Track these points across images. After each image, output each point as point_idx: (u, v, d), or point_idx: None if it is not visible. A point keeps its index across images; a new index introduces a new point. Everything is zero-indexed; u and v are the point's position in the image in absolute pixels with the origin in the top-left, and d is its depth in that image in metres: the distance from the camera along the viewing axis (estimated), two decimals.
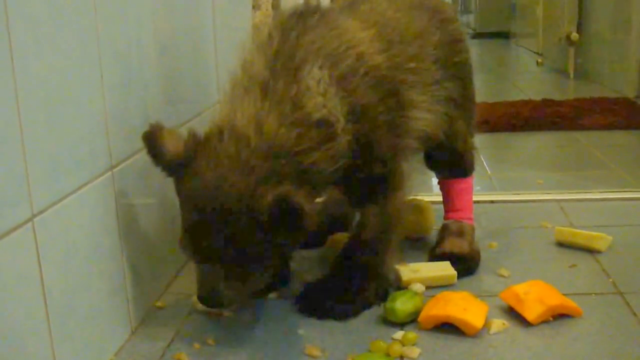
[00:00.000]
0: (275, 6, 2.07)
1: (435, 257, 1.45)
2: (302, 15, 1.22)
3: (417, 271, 1.36)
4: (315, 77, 1.15)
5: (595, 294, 1.32)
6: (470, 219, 1.52)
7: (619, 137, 2.71)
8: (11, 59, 0.86)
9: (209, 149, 1.11)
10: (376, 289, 1.29)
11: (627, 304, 1.28)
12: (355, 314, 1.26)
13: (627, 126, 2.80)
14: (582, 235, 1.52)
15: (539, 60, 4.72)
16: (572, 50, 4.10)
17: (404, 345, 1.15)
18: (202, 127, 1.16)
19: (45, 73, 0.94)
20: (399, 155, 1.29)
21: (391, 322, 1.22)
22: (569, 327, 1.20)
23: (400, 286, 1.32)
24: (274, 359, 1.14)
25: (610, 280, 1.37)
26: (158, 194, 1.33)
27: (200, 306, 1.23)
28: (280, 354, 1.15)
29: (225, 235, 1.08)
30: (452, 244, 1.46)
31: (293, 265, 1.42)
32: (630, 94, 3.32)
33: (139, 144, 1.14)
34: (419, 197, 1.65)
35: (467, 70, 1.48)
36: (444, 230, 1.50)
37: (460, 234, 1.48)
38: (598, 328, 1.20)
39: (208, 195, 1.08)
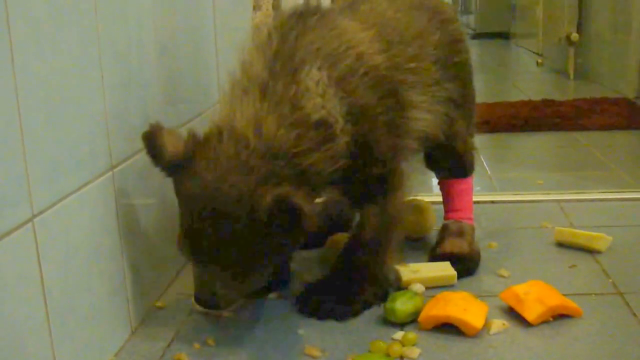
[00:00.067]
0: (276, 6, 2.07)
1: (435, 257, 1.45)
2: (301, 16, 1.22)
3: (417, 271, 1.36)
4: (314, 77, 1.15)
5: (595, 294, 1.32)
6: (470, 219, 1.52)
7: (619, 138, 2.71)
8: (11, 58, 0.86)
9: (208, 150, 1.11)
10: (376, 289, 1.29)
11: (627, 304, 1.28)
12: (355, 314, 1.26)
13: (627, 126, 2.80)
14: (582, 235, 1.52)
15: (539, 60, 4.72)
16: (572, 51, 4.10)
17: (404, 345, 1.15)
18: (202, 127, 1.16)
19: (45, 73, 0.94)
20: (399, 156, 1.29)
21: (391, 322, 1.22)
22: (569, 327, 1.20)
23: (400, 286, 1.32)
24: (274, 359, 1.14)
25: (610, 280, 1.37)
26: (158, 194, 1.33)
27: (199, 307, 1.23)
28: (280, 354, 1.15)
29: (224, 236, 1.08)
30: (452, 244, 1.46)
31: (293, 265, 1.42)
32: (630, 94, 3.32)
33: (139, 144, 1.14)
34: (419, 197, 1.65)
35: (467, 71, 1.48)
36: (444, 230, 1.50)
37: (460, 234, 1.48)
38: (598, 328, 1.20)
39: (207, 195, 1.08)
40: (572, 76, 4.10)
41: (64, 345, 0.99)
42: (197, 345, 1.18)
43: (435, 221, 1.61)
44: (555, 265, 1.45)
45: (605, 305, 1.28)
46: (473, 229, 1.51)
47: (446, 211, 1.53)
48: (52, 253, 0.96)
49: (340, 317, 1.25)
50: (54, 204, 0.96)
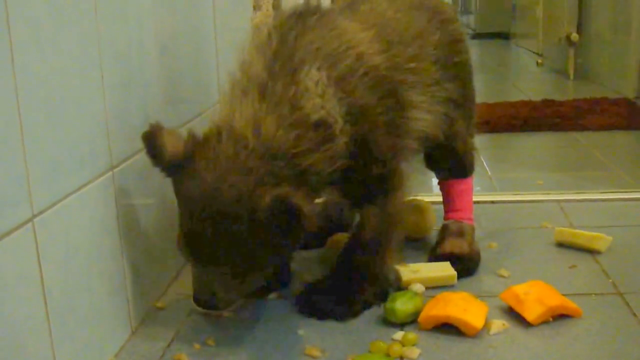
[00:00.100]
0: (276, 6, 2.07)
1: (435, 257, 1.45)
2: (301, 16, 1.22)
3: (417, 271, 1.36)
4: (313, 78, 1.14)
5: (595, 294, 1.32)
6: (470, 219, 1.52)
7: (619, 138, 2.71)
8: (11, 58, 0.86)
9: (207, 150, 1.11)
10: (376, 289, 1.29)
11: (627, 304, 1.28)
12: (355, 314, 1.26)
13: (627, 126, 2.80)
14: (582, 235, 1.52)
15: (539, 60, 4.72)
16: (572, 51, 4.10)
17: (404, 345, 1.15)
18: (202, 127, 1.16)
19: (45, 73, 0.94)
20: (399, 156, 1.29)
21: (391, 322, 1.22)
22: (569, 327, 1.20)
23: (400, 286, 1.32)
24: (274, 359, 1.14)
25: (610, 280, 1.37)
26: (158, 194, 1.33)
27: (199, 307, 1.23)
28: (280, 354, 1.15)
29: (223, 237, 1.08)
30: (452, 245, 1.46)
31: (293, 265, 1.42)
32: (630, 94, 3.32)
33: (140, 144, 1.14)
34: (419, 198, 1.65)
35: (467, 71, 1.48)
36: (444, 230, 1.50)
37: (460, 234, 1.48)
38: (598, 328, 1.20)
39: (206, 196, 1.08)
40: (572, 76, 4.10)
41: (64, 345, 0.99)
42: (197, 346, 1.18)
43: (435, 221, 1.61)
44: (555, 266, 1.46)
45: (605, 305, 1.28)
46: (473, 229, 1.51)
47: (446, 211, 1.53)
48: (52, 253, 0.96)
49: (340, 317, 1.25)
50: (54, 204, 0.96)
